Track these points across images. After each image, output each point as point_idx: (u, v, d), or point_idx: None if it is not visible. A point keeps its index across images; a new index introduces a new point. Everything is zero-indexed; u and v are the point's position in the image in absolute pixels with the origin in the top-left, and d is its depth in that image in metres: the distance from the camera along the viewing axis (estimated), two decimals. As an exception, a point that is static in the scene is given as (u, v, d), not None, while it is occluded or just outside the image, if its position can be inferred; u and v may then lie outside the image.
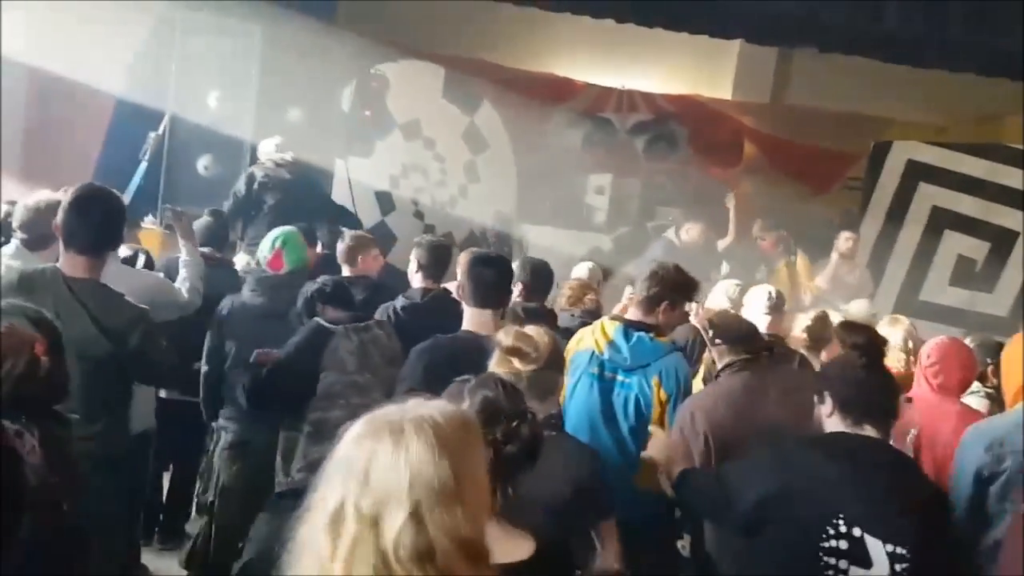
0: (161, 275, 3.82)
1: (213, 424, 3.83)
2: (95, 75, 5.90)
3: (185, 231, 4.04)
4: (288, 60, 6.19)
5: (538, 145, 8.51)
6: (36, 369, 2.05)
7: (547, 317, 3.92)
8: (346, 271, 4.32)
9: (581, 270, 5.27)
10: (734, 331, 3.24)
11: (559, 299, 4.53)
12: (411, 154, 8.30)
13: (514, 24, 8.28)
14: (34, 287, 2.78)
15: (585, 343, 3.39)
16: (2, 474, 0.87)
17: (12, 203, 3.85)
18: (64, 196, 3.00)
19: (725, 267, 6.75)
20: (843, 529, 2.25)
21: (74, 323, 2.71)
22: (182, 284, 3.77)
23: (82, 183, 3.05)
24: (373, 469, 1.25)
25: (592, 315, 4.21)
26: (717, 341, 3.23)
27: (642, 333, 3.33)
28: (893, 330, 3.86)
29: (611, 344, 3.32)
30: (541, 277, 4.22)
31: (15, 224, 3.46)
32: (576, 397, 3.31)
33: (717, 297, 4.40)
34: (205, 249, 4.35)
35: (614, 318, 3.46)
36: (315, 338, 3.36)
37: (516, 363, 2.37)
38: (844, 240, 6.71)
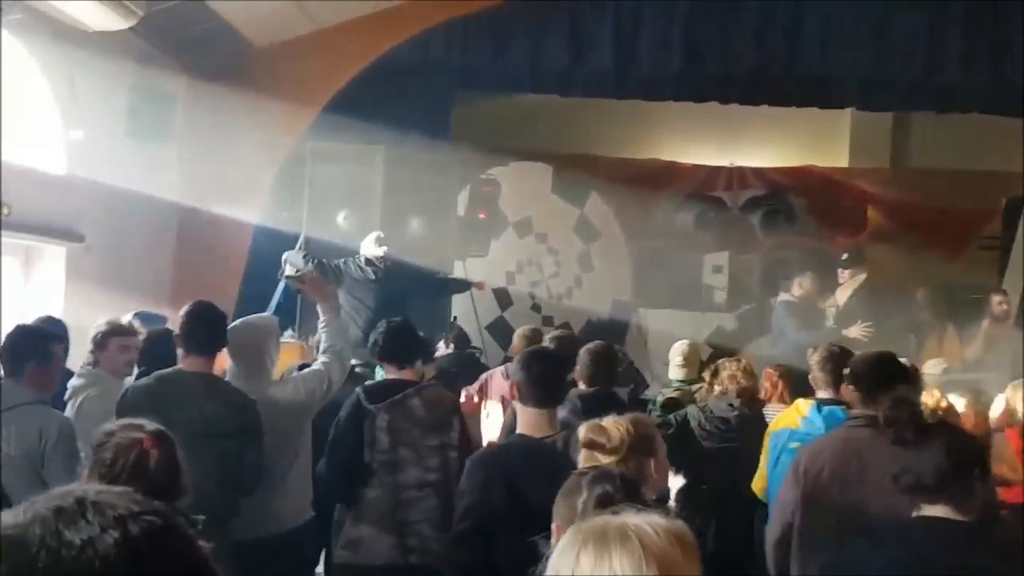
0: (294, 375, 3.80)
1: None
2: (235, 206, 6.41)
3: (319, 291, 3.92)
4: (407, 175, 6.55)
5: (649, 229, 8.54)
6: (146, 461, 2.25)
7: (608, 401, 3.64)
8: None
9: (681, 349, 5.12)
10: (871, 380, 3.13)
11: (715, 386, 4.41)
12: (525, 250, 8.51)
13: (616, 115, 8.47)
14: (169, 384, 3.28)
15: (782, 423, 3.68)
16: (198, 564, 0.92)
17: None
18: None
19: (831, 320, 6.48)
20: None
21: (207, 405, 3.19)
22: (320, 355, 3.74)
23: (193, 301, 3.49)
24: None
25: (748, 404, 4.28)
26: (851, 387, 3.20)
27: (834, 407, 3.50)
28: (1015, 396, 3.59)
29: (805, 419, 3.57)
30: (602, 364, 4.06)
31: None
32: (777, 470, 3.57)
33: (999, 405, 3.84)
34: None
35: (808, 398, 3.68)
36: (352, 419, 3.42)
37: (598, 456, 2.34)
38: (997, 304, 6.25)
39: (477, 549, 2.65)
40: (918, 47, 6.52)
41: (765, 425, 4.41)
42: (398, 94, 6.77)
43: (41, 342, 3.31)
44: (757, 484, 3.76)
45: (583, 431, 2.41)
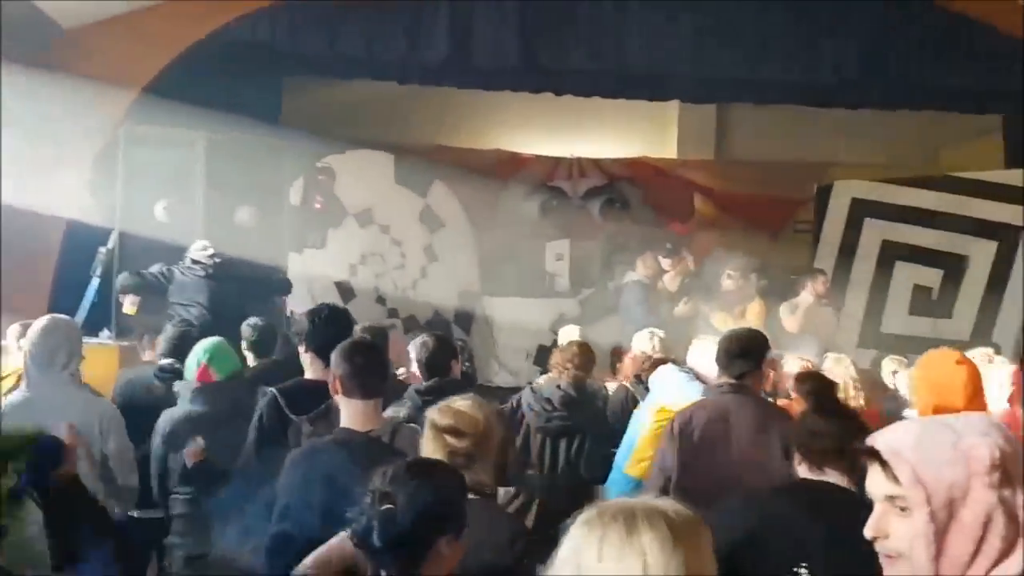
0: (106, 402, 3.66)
1: (164, 542, 3.76)
2: (44, 200, 5.96)
3: None
4: (233, 163, 6.28)
5: (494, 219, 8.63)
6: None
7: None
8: None
9: (571, 334, 5.34)
10: (731, 353, 3.44)
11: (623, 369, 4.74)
12: (367, 241, 8.38)
13: (458, 105, 8.51)
14: None
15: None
16: None
17: None
18: None
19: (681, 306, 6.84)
20: None
21: None
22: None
23: None
24: (604, 555, 1.25)
25: (576, 385, 4.48)
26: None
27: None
28: (837, 368, 3.94)
29: None
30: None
31: None
32: None
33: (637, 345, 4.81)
34: (167, 361, 4.34)
35: None
36: (275, 423, 3.17)
37: (450, 439, 2.30)
38: (822, 283, 6.78)
39: (295, 553, 2.53)
40: (738, 42, 6.92)
41: (593, 404, 4.63)
42: (222, 78, 6.52)
43: None
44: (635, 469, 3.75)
45: (441, 417, 2.35)
